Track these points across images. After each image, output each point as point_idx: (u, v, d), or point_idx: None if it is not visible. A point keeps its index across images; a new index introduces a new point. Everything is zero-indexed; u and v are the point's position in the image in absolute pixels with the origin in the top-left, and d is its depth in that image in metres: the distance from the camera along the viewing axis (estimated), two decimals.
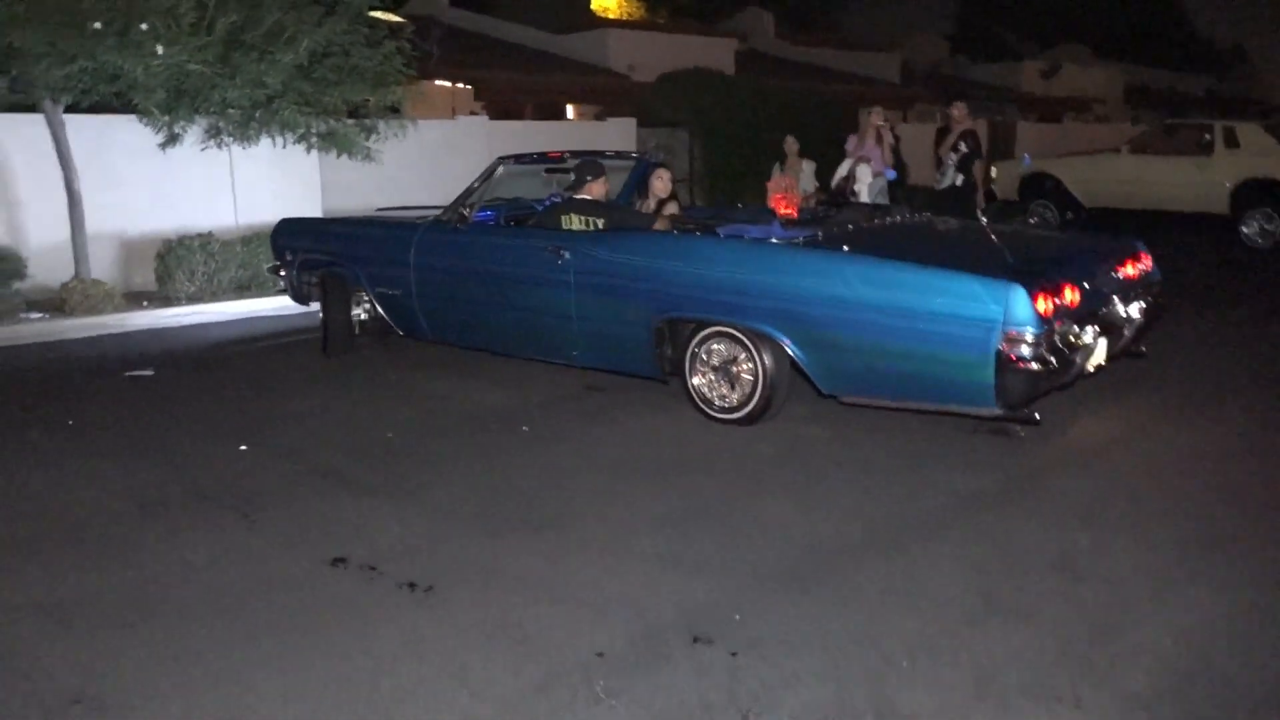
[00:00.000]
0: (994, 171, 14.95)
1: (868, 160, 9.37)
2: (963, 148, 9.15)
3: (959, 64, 33.38)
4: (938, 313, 4.12)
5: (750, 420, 4.77)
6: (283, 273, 6.96)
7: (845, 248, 4.68)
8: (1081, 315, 4.37)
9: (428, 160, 11.06)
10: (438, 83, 17.21)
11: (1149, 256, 5.29)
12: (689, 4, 33.16)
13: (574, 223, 5.44)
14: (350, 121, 9.31)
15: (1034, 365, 3.99)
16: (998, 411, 4.17)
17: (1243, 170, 12.49)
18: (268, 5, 7.90)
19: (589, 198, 5.68)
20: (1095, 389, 5.22)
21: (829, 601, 3.08)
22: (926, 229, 5.75)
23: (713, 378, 4.88)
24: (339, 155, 9.32)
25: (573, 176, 5.85)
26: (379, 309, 6.22)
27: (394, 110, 9.49)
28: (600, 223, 5.36)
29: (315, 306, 6.73)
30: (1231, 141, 12.85)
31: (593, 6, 27.76)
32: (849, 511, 3.80)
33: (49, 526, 3.79)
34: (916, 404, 4.49)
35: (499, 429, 4.93)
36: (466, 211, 6.05)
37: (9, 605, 3.16)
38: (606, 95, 19.74)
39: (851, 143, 9.67)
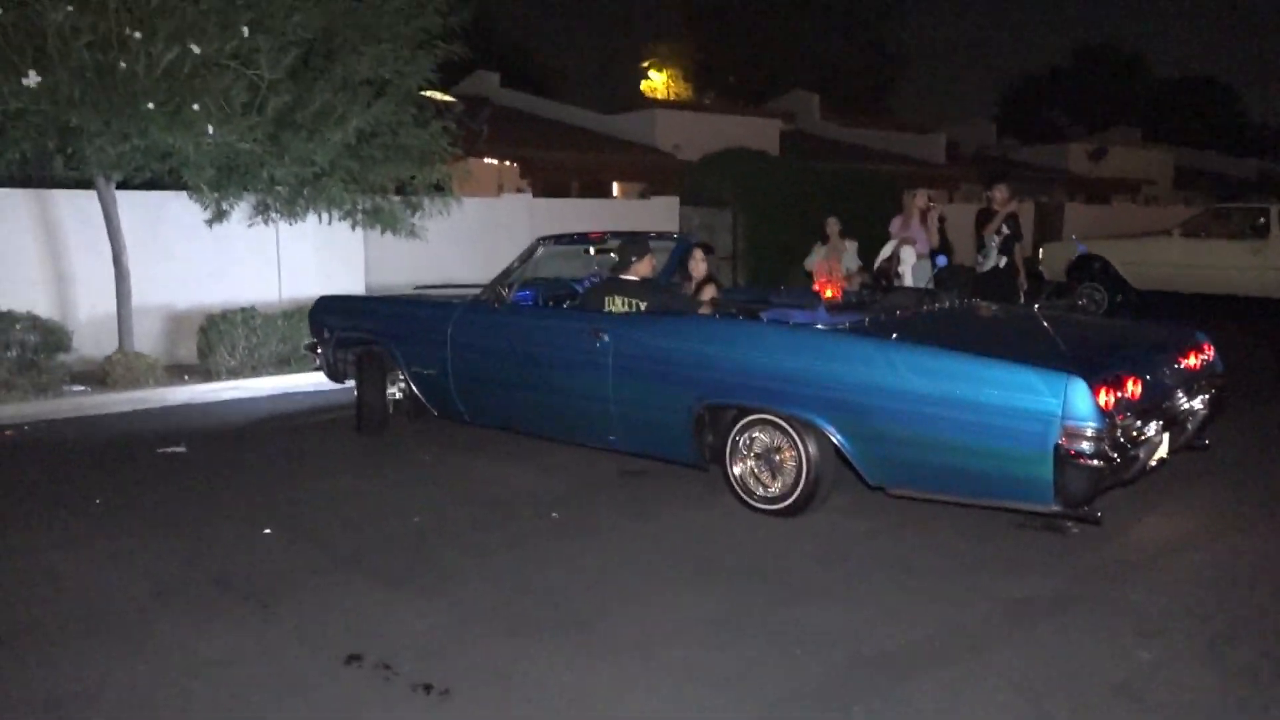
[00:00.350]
0: (1040, 253, 14.81)
1: (913, 242, 9.26)
2: (1005, 230, 9.02)
3: (1006, 145, 33.36)
4: (992, 405, 3.95)
5: (793, 511, 4.59)
6: (319, 350, 6.91)
7: (894, 334, 4.53)
8: (1144, 408, 4.18)
9: (471, 237, 11.16)
10: (485, 160, 17.49)
11: (1211, 346, 5.09)
12: (736, 86, 33.72)
13: (617, 304, 5.35)
14: (396, 198, 9.40)
15: (1095, 461, 3.79)
16: (1056, 509, 3.96)
17: None
18: (319, 86, 8.05)
19: (634, 278, 5.54)
20: (1156, 485, 4.97)
21: None
22: (978, 316, 5.59)
23: (755, 466, 4.72)
24: (384, 232, 9.40)
25: (616, 257, 5.74)
26: (415, 389, 6.15)
27: (439, 188, 9.58)
28: (643, 305, 5.27)
29: (351, 384, 6.70)
30: None
31: (642, 88, 28.32)
32: (891, 620, 3.58)
33: (63, 612, 3.70)
34: (968, 499, 4.30)
35: (529, 517, 4.79)
36: (505, 291, 5.96)
37: (9, 699, 3.05)
38: (652, 173, 19.92)
39: (896, 224, 9.57)
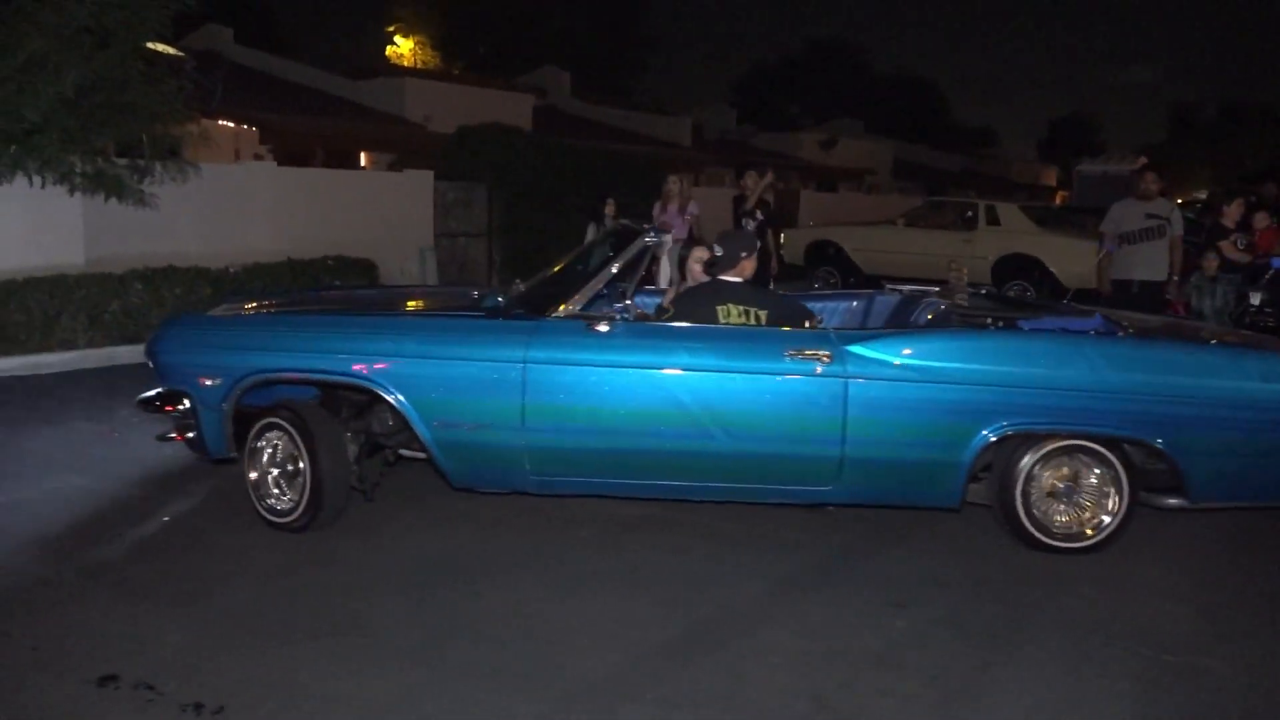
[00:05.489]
0: (781, 239, 15.70)
1: (670, 228, 9.49)
2: (760, 216, 9.46)
3: (745, 131, 34.95)
4: None
5: (1101, 546, 4.22)
6: (178, 411, 4.43)
7: (1212, 340, 4.52)
8: None
9: (207, 207, 10.33)
10: (221, 123, 16.30)
11: None
12: (486, 57, 33.24)
13: (732, 314, 4.44)
14: (121, 162, 8.58)
15: None
16: None
17: (1003, 246, 13.62)
18: (27, 32, 7.18)
19: (739, 280, 4.59)
20: None
21: (653, 712, 2.94)
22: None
23: (1052, 499, 4.27)
24: (107, 199, 8.54)
25: (717, 251, 4.65)
26: (436, 454, 4.17)
27: (172, 152, 8.85)
28: (763, 315, 4.44)
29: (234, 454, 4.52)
30: (993, 219, 14.01)
31: (388, 54, 27.34)
32: (671, 606, 3.67)
33: None
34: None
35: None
36: (629, 308, 4.26)
37: None
38: (401, 145, 19.28)
39: (657, 209, 9.78)
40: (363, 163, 20.15)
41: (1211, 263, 8.03)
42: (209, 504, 4.64)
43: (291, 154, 17.39)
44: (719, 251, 4.62)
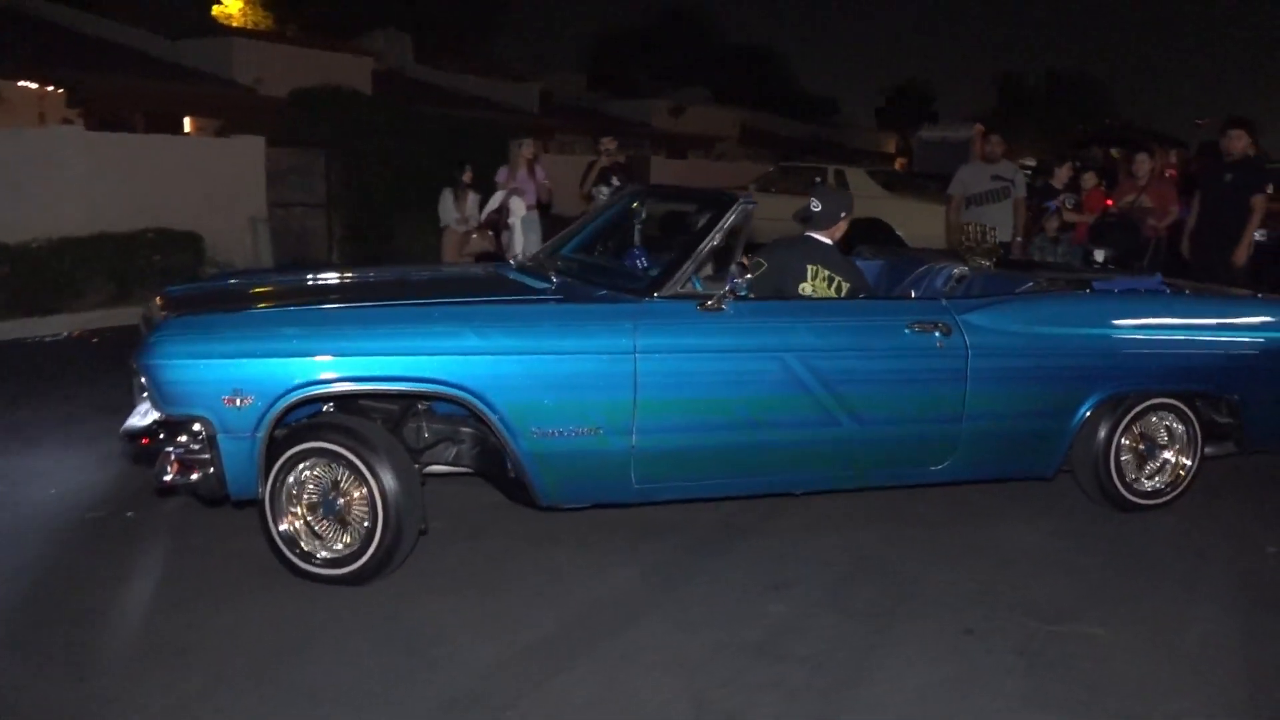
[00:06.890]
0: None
1: (522, 193, 9.12)
2: (615, 181, 9.19)
3: (595, 99, 34.58)
4: None
5: (1173, 502, 4.33)
6: (187, 441, 3.26)
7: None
8: None
9: (8, 177, 9.30)
10: (20, 84, 14.88)
11: None
12: (320, 18, 31.70)
13: (819, 278, 4.16)
14: None
15: None
16: None
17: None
18: None
19: (829, 242, 4.32)
20: None
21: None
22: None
23: (1134, 458, 4.29)
24: None
25: (814, 206, 4.32)
26: (528, 468, 3.44)
27: None
28: (845, 286, 4.16)
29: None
30: (841, 184, 14.16)
31: (214, 13, 25.69)
32: (544, 602, 3.39)
33: None
34: None
35: (101, 522, 4.00)
36: (740, 285, 3.71)
37: None
38: (229, 109, 18.07)
39: (503, 174, 9.38)
40: (187, 128, 18.82)
41: (1052, 223, 8.30)
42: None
43: (107, 119, 16.04)
44: (816, 206, 4.31)
